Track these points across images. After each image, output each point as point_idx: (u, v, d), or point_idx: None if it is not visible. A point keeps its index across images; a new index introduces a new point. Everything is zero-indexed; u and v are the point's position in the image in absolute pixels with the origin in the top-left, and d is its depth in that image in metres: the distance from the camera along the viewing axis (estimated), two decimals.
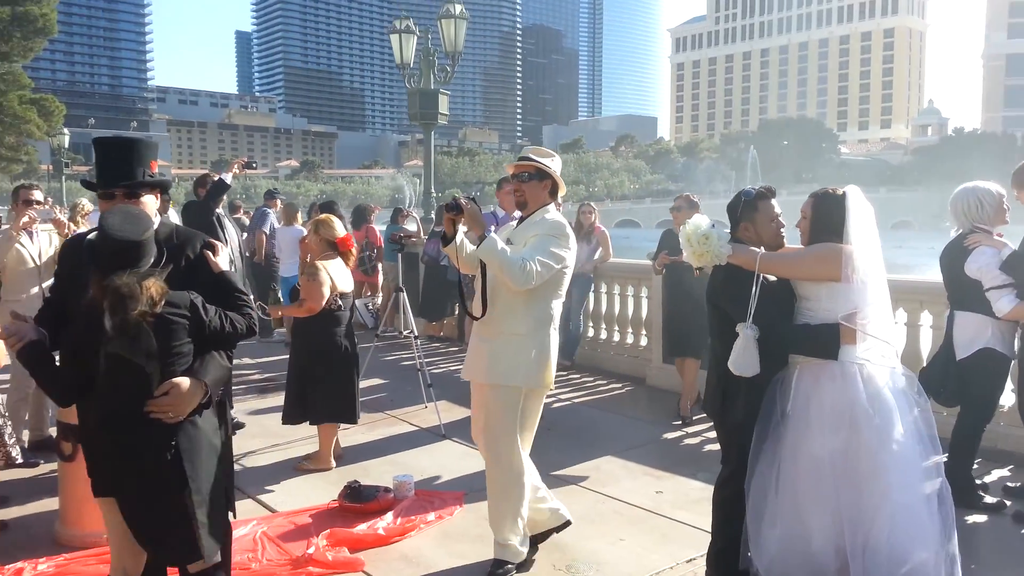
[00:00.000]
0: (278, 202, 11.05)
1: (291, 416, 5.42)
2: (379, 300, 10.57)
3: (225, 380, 2.85)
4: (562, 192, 3.92)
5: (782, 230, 3.55)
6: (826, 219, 3.42)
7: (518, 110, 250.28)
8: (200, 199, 6.69)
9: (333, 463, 5.36)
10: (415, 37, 11.48)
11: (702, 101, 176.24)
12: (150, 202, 2.90)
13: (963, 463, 4.68)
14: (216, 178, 6.59)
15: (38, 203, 5.58)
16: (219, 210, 6.56)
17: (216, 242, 2.97)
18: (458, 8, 10.93)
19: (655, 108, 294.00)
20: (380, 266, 10.83)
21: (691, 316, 6.24)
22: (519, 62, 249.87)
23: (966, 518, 4.35)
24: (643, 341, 8.11)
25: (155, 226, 2.74)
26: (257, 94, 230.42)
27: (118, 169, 2.83)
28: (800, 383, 3.37)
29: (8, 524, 4.33)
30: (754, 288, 3.42)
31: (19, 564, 3.82)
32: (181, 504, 2.61)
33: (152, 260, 2.64)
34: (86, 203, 7.90)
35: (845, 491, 3.32)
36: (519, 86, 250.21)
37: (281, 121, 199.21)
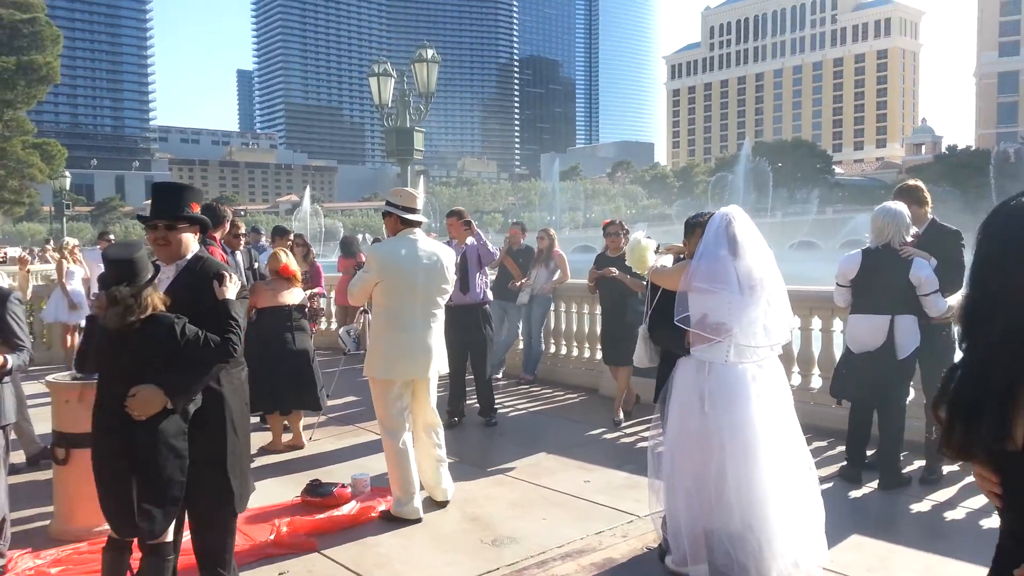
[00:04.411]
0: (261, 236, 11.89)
1: None
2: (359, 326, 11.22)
3: (192, 394, 3.31)
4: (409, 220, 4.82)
5: None
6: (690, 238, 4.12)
7: (516, 139, 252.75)
8: None
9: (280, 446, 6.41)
10: (392, 80, 12.28)
11: (698, 126, 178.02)
12: (187, 236, 3.53)
13: (896, 452, 5.23)
14: None
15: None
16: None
17: (227, 274, 3.49)
18: (430, 52, 11.76)
19: (652, 134, 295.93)
20: None
21: (622, 327, 6.86)
22: (516, 93, 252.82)
23: (908, 502, 4.95)
24: (598, 355, 8.71)
25: (190, 253, 3.51)
26: (258, 131, 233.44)
27: (163, 207, 3.50)
28: (674, 373, 4.00)
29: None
30: (649, 294, 4.20)
31: (21, 552, 4.43)
32: (127, 487, 3.11)
33: (148, 277, 3.22)
34: (70, 240, 8.89)
35: (703, 472, 3.81)
36: (517, 116, 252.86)
37: (282, 157, 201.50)
